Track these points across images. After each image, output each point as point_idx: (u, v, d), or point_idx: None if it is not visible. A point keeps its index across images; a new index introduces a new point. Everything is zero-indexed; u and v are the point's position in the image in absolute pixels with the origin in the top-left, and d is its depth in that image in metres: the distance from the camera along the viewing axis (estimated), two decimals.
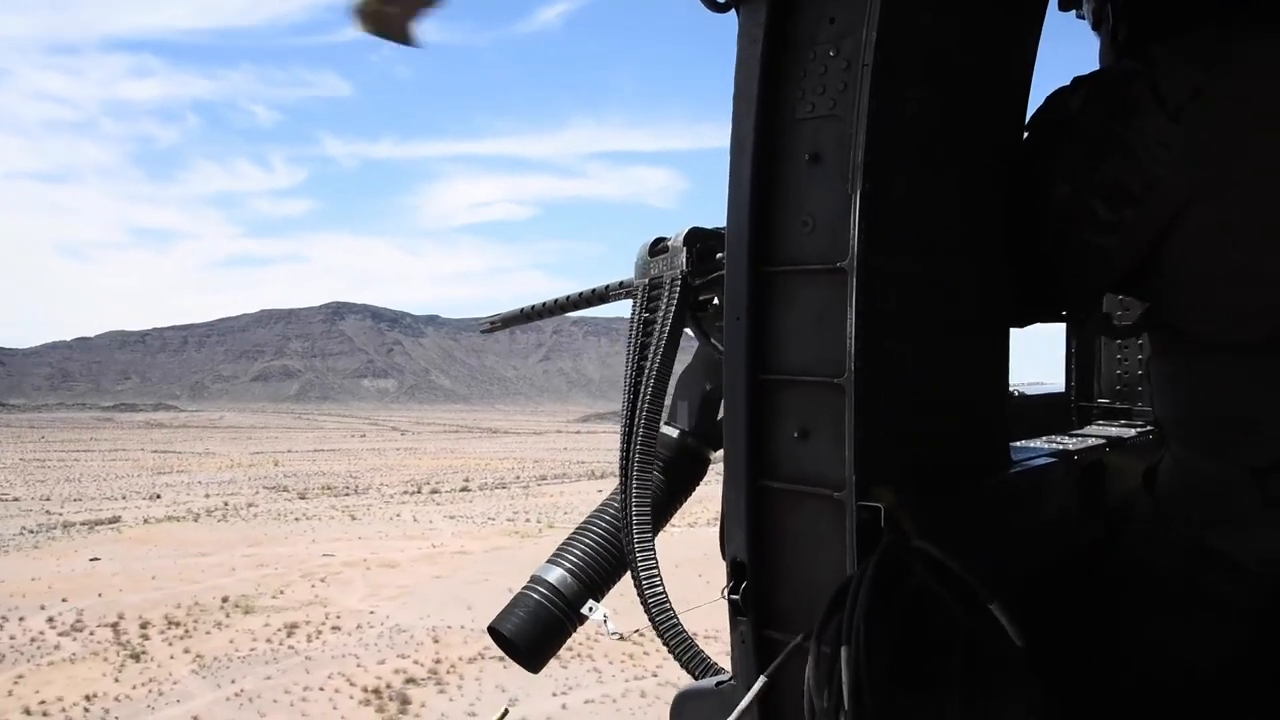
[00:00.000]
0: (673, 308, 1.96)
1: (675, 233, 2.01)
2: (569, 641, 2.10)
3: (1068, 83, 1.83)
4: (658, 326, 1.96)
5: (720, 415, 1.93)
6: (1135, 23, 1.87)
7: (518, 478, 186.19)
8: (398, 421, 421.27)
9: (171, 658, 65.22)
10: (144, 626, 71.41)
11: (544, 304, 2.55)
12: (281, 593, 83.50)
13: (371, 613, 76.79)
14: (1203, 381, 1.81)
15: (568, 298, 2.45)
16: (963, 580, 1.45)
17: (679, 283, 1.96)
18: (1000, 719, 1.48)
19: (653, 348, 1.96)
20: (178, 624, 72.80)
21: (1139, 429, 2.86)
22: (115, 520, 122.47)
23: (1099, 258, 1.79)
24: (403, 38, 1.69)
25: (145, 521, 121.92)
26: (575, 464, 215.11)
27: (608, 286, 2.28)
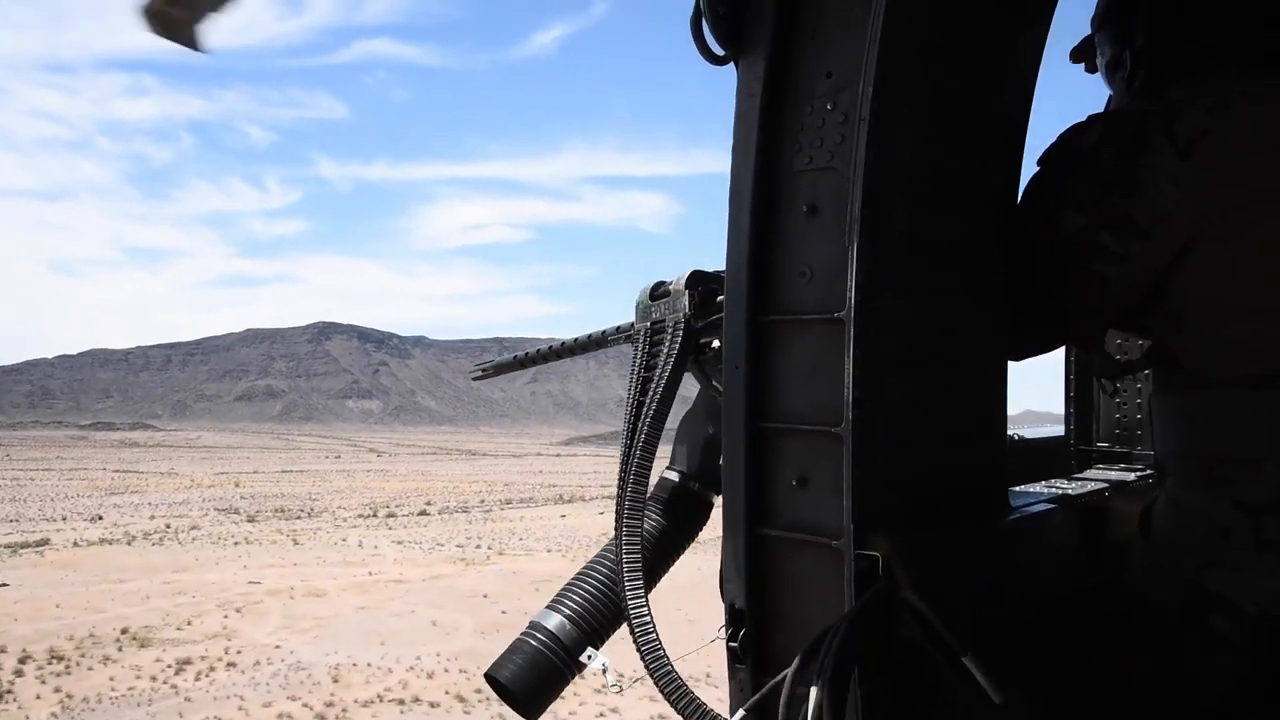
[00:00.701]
0: (674, 352, 1.94)
1: (677, 276, 1.99)
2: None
3: (1084, 120, 1.89)
4: (658, 370, 1.95)
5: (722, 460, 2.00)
6: (1154, 67, 1.89)
7: (482, 501, 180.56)
8: (377, 443, 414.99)
9: (38, 697, 59.34)
10: (23, 661, 65.57)
11: (539, 351, 2.55)
12: (189, 624, 77.90)
13: (276, 647, 71.12)
14: (1204, 416, 1.83)
15: (564, 344, 2.42)
16: (940, 633, 1.45)
17: (681, 326, 1.95)
18: None
19: (651, 392, 1.94)
20: (61, 658, 66.96)
21: (1139, 473, 2.87)
22: (43, 543, 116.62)
23: (1103, 288, 1.81)
24: (190, 42, 1.66)
25: (75, 544, 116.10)
26: (546, 488, 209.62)
27: (605, 332, 2.26)
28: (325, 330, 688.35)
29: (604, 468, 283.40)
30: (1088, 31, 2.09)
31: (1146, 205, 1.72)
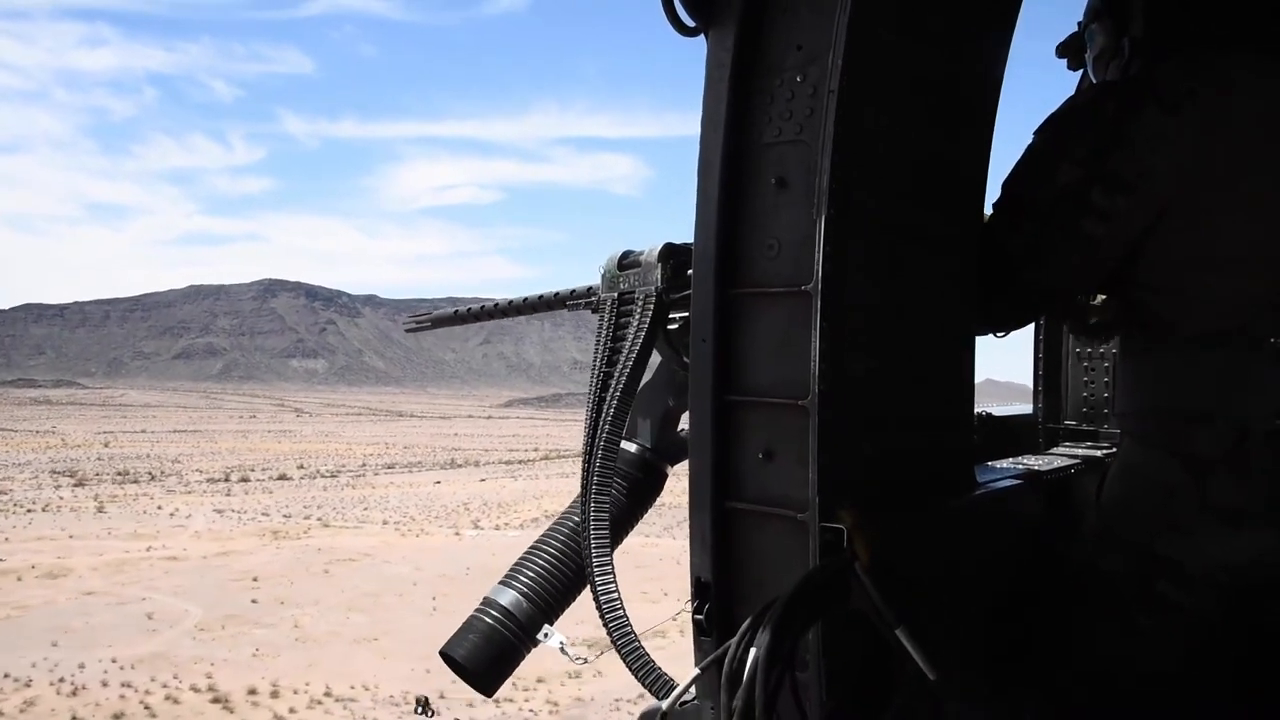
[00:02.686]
0: (645, 325, 1.93)
1: (648, 248, 1.98)
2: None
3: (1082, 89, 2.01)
4: (628, 343, 1.93)
5: (679, 431, 2.02)
6: (1151, 55, 1.95)
7: (363, 465, 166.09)
8: (308, 403, 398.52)
9: None
10: None
11: (484, 306, 2.49)
12: None
13: None
14: (1164, 373, 1.87)
15: (512, 302, 2.38)
16: (879, 605, 1.48)
17: (653, 300, 1.93)
18: None
19: (620, 364, 1.93)
20: None
21: (1106, 450, 2.89)
22: None
23: (1088, 247, 1.83)
24: None
25: None
26: (448, 451, 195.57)
27: (560, 294, 2.24)
28: (272, 287, 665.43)
29: (529, 431, 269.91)
30: (1066, 31, 2.18)
31: (1134, 162, 1.76)
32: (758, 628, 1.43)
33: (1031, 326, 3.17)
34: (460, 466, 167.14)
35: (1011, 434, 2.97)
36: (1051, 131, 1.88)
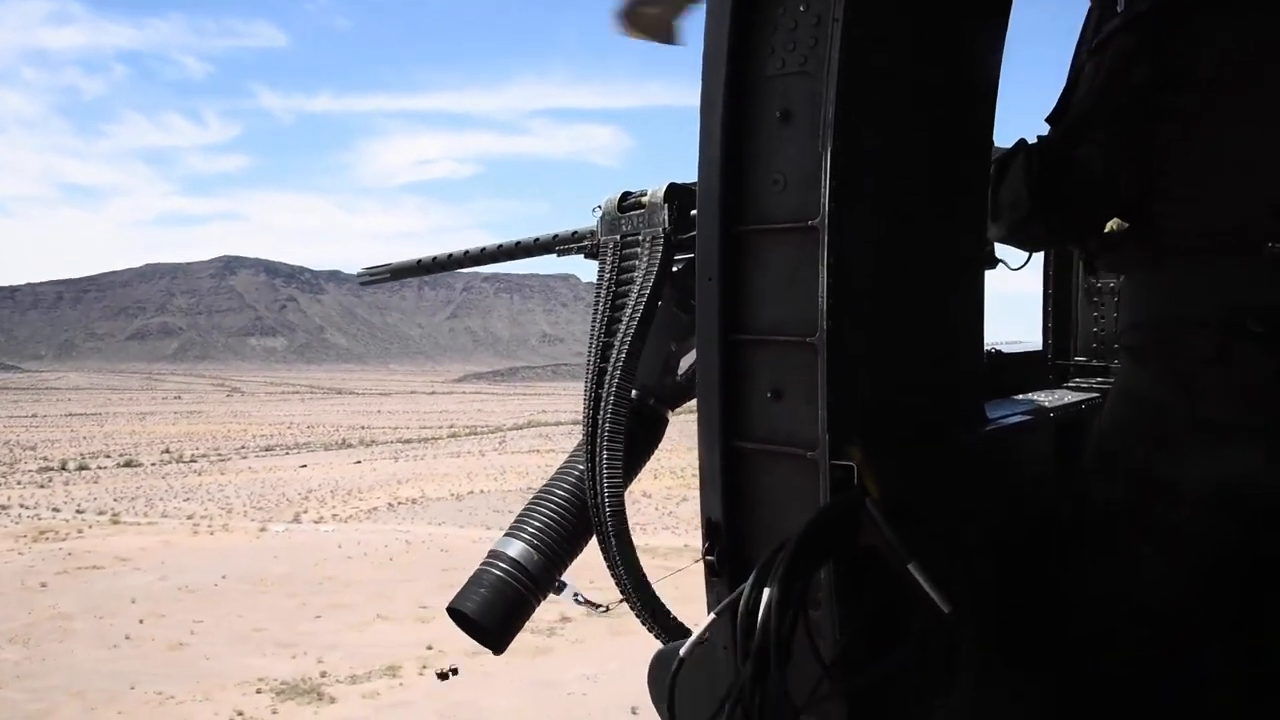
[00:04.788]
0: (654, 268, 1.87)
1: (651, 188, 1.92)
2: None
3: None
4: (635, 287, 1.88)
5: (679, 375, 2.00)
6: None
7: (243, 447, 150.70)
8: (251, 382, 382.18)
9: None
10: None
11: (455, 254, 2.33)
12: None
13: None
14: (1163, 284, 1.88)
15: (488, 248, 2.25)
16: (891, 541, 1.47)
17: (661, 241, 1.87)
18: (938, 677, 1.54)
19: (629, 309, 1.87)
20: None
21: None
22: None
23: (1162, 148, 1.83)
24: (668, 38, 1.65)
25: None
26: (355, 429, 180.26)
27: (556, 236, 2.14)
28: (230, 264, 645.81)
29: (463, 407, 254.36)
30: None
31: (1195, 60, 1.77)
32: (770, 569, 1.42)
33: (1040, 263, 3.16)
34: (350, 447, 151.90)
35: (1020, 370, 2.91)
36: (1112, 42, 1.85)
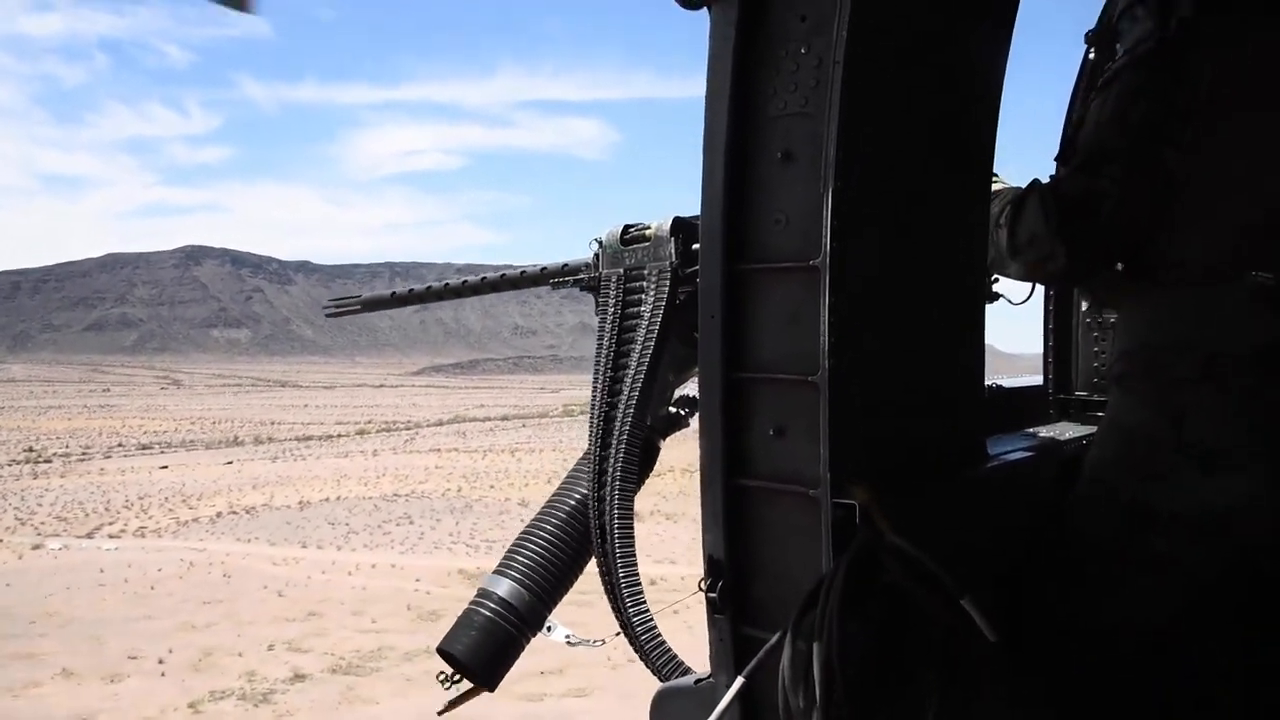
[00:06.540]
0: (662, 302, 1.87)
1: (654, 221, 1.93)
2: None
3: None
4: (644, 323, 1.88)
5: (670, 407, 2.02)
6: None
7: (119, 445, 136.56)
8: (198, 374, 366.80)
9: None
10: None
11: (434, 286, 2.32)
12: None
13: None
14: (1153, 313, 1.91)
15: (469, 281, 2.22)
16: (936, 575, 1.47)
17: (668, 275, 1.87)
18: (977, 712, 1.54)
19: (638, 347, 1.87)
20: None
21: None
22: None
23: (1168, 180, 1.86)
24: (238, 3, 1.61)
25: None
26: (264, 425, 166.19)
27: (544, 269, 2.13)
28: (195, 254, 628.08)
29: (401, 402, 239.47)
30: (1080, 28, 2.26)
31: (1196, 90, 1.81)
32: (811, 614, 1.41)
33: (1041, 297, 3.17)
34: (239, 445, 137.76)
35: (1021, 405, 2.93)
36: (1118, 80, 1.90)
